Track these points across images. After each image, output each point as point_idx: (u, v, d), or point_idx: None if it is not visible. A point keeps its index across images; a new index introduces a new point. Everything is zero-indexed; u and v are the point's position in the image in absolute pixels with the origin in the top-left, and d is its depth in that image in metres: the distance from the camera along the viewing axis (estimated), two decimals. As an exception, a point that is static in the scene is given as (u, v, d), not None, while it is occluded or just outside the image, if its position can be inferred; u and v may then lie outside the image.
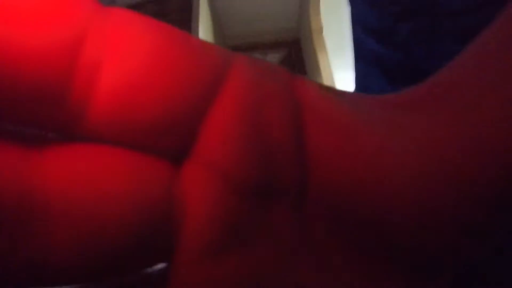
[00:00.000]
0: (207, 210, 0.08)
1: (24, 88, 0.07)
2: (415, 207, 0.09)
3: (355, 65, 0.35)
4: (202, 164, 0.09)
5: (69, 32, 0.07)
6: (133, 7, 1.58)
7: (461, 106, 0.09)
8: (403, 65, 0.29)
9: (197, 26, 1.69)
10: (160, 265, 0.09)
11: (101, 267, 0.08)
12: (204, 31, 1.82)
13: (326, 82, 2.09)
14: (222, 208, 0.09)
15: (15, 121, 0.07)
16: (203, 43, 0.09)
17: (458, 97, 0.09)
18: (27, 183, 0.07)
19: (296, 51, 2.66)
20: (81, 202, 0.07)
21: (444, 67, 0.10)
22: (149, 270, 0.09)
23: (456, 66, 0.10)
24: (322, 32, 2.16)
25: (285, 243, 0.09)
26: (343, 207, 0.09)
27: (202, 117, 0.09)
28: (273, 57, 2.68)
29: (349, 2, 0.34)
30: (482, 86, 0.09)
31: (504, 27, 0.09)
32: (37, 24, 0.07)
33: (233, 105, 0.09)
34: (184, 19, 1.68)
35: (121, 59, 0.07)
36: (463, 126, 0.09)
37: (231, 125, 0.09)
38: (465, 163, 0.08)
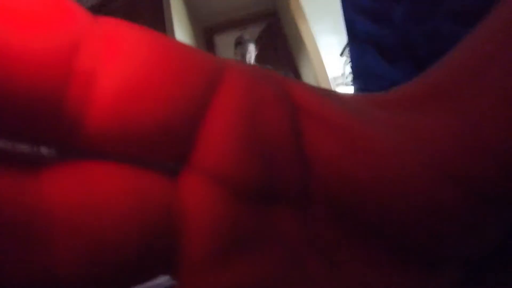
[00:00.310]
0: (207, 218, 0.08)
1: (19, 93, 0.07)
2: (414, 205, 0.09)
3: (350, 46, 0.34)
4: (200, 171, 0.08)
5: (64, 38, 0.07)
6: (101, 3, 1.53)
7: (461, 106, 0.09)
8: (401, 46, 0.29)
9: (170, 13, 1.65)
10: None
11: (103, 279, 0.08)
12: (178, 16, 1.78)
13: (309, 49, 2.06)
14: (223, 215, 0.08)
15: (9, 132, 0.07)
16: (195, 50, 0.09)
17: (458, 97, 0.09)
18: (29, 204, 0.07)
19: (275, 22, 2.61)
20: (82, 220, 0.07)
21: (442, 64, 0.10)
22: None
23: (455, 65, 0.10)
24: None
25: (292, 244, 0.09)
26: (344, 206, 0.09)
27: (198, 122, 0.08)
28: (253, 31, 2.64)
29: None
30: (482, 85, 0.09)
31: (504, 26, 0.09)
32: (31, 30, 0.07)
33: (229, 109, 0.09)
34: (156, 7, 1.64)
35: (117, 65, 0.08)
36: (463, 126, 0.09)
37: (227, 129, 0.08)
38: (465, 163, 0.08)
